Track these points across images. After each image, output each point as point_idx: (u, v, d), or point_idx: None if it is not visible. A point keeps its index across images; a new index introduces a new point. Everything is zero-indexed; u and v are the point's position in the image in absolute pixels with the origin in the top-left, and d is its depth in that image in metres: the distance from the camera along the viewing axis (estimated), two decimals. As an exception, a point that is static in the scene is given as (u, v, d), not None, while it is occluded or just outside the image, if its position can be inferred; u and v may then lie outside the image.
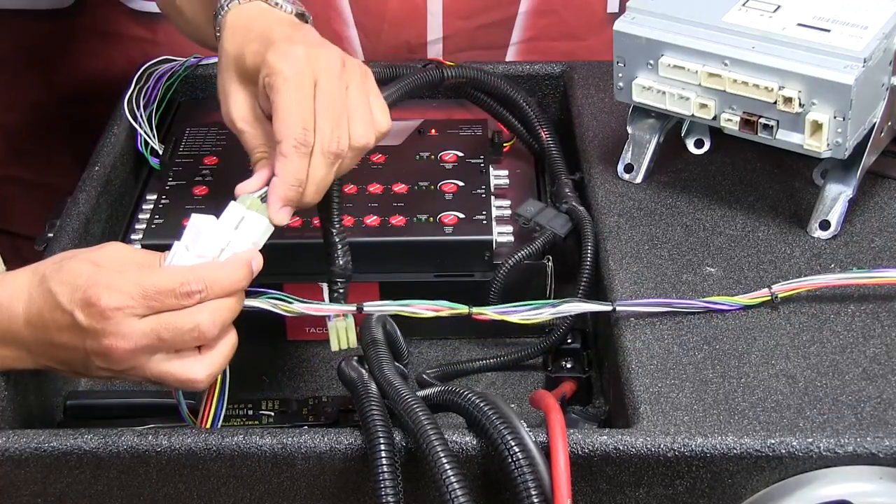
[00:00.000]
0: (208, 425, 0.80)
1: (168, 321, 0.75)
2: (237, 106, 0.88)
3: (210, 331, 0.76)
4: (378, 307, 0.85)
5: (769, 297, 0.86)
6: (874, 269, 0.88)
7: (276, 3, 0.90)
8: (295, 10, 0.92)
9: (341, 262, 0.88)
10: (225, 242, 0.79)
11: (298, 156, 0.82)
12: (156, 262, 0.78)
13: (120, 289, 0.74)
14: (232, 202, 0.82)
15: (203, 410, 0.81)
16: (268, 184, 0.83)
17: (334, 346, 0.87)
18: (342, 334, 0.87)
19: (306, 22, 0.92)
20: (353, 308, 0.85)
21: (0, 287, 0.79)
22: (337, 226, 0.88)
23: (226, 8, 0.90)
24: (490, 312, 0.86)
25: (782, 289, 0.86)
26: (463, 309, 0.85)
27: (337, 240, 0.88)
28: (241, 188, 0.84)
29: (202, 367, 0.77)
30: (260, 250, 0.81)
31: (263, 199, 0.82)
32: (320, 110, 0.83)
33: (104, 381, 0.92)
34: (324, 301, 0.88)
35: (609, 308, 0.86)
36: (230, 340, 0.79)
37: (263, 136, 0.87)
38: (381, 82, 0.91)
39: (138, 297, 0.74)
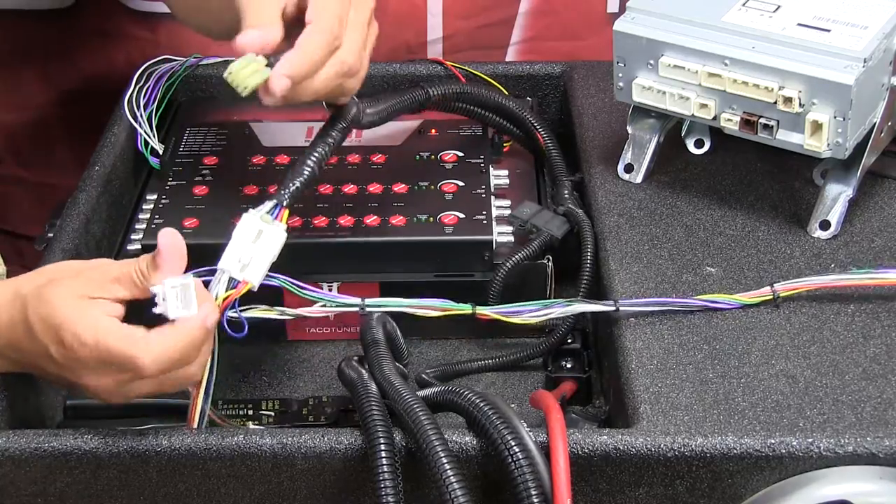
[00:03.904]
0: (195, 425, 0.81)
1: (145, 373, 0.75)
2: None
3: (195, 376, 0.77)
4: (382, 305, 0.85)
5: (771, 296, 0.86)
6: (877, 270, 0.88)
7: None
8: None
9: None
10: (248, 258, 0.80)
11: (325, 42, 0.81)
12: (133, 282, 0.77)
13: (91, 339, 0.73)
14: (244, 214, 0.81)
15: (190, 410, 0.81)
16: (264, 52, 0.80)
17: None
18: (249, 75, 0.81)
19: None
20: (357, 307, 0.85)
21: None
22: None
23: None
24: (492, 313, 0.86)
25: (784, 288, 0.86)
26: (466, 308, 0.86)
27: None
28: (240, 41, 0.80)
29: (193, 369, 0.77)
30: None
31: (266, 65, 0.80)
32: (352, 24, 0.83)
33: None
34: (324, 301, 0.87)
35: (612, 308, 0.86)
36: (206, 354, 0.78)
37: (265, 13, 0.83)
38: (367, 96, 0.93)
39: (105, 351, 0.73)
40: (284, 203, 0.83)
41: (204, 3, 1.02)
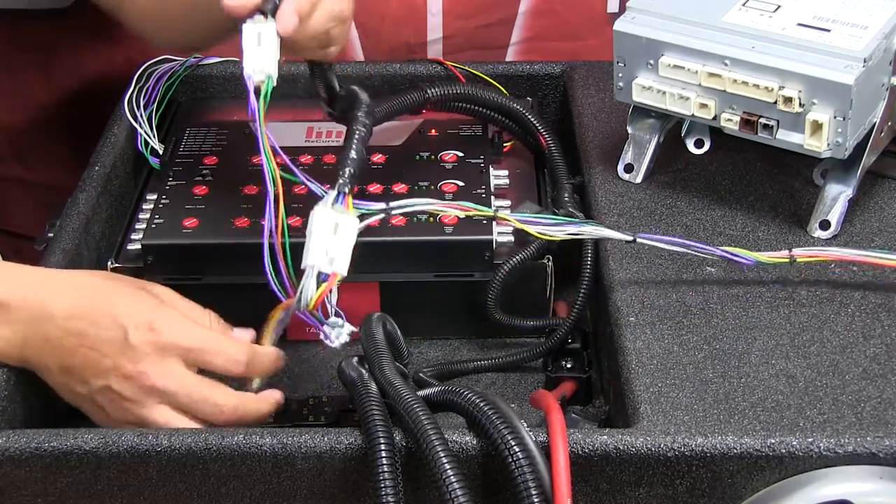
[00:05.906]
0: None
1: (201, 386, 0.81)
2: None
3: (228, 417, 0.82)
4: (406, 206, 0.86)
5: (787, 259, 0.86)
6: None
7: None
8: None
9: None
10: (334, 251, 0.81)
11: None
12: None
13: (186, 330, 0.81)
14: (315, 208, 0.82)
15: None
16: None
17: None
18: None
19: None
20: (381, 212, 0.85)
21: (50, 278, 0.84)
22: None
23: None
24: (514, 219, 0.88)
25: (802, 254, 0.86)
26: (489, 211, 0.90)
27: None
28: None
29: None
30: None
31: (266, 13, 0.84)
32: None
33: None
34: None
35: (630, 238, 0.87)
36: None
37: None
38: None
39: (196, 341, 0.81)
40: (347, 191, 0.83)
41: (167, 17, 1.06)
